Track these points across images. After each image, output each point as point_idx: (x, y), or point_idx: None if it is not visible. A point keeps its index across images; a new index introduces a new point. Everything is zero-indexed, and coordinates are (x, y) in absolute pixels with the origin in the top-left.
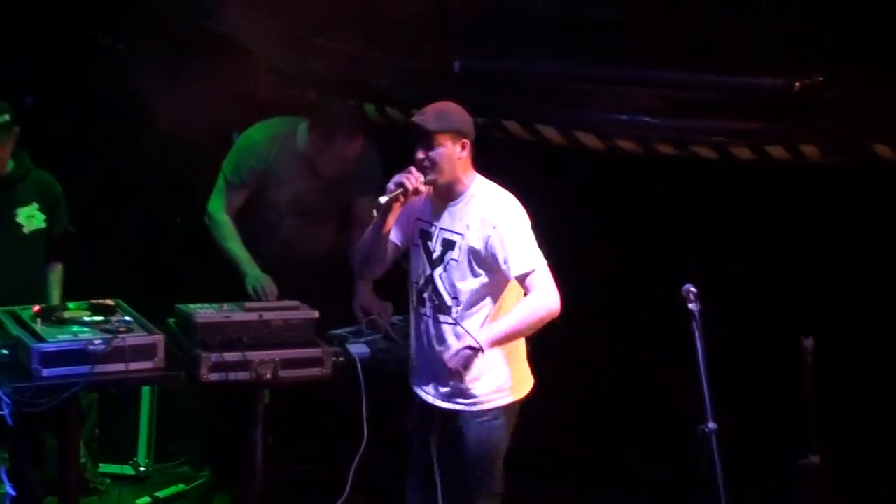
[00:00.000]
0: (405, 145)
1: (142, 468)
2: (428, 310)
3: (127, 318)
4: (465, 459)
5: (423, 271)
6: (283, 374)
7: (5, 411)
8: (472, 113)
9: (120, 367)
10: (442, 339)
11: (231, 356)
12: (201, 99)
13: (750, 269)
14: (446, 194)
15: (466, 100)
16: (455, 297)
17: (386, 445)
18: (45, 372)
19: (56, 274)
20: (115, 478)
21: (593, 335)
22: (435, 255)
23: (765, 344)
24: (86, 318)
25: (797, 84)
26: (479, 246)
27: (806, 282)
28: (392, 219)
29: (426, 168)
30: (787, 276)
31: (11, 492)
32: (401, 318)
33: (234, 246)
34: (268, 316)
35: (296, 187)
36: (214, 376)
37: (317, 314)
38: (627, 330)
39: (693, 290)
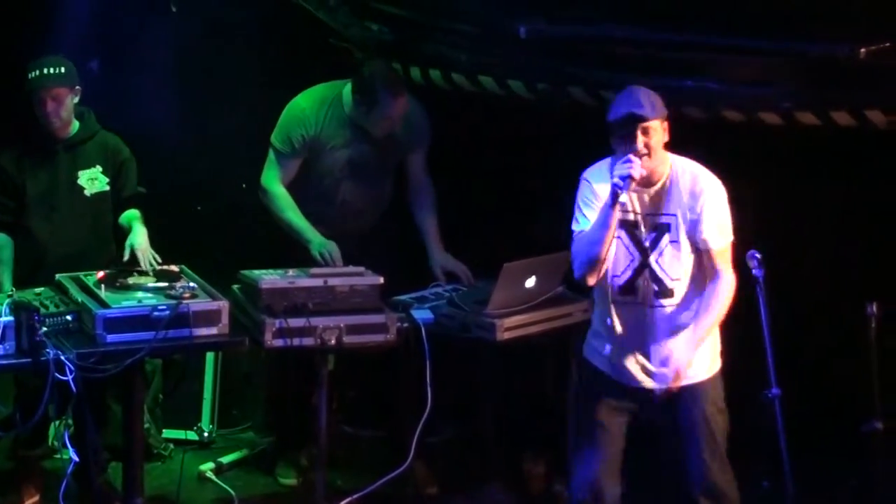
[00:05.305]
0: (467, 111)
1: (206, 434)
2: (640, 297)
3: (191, 283)
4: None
5: (632, 261)
6: (347, 339)
7: (69, 377)
8: (537, 79)
9: (184, 332)
10: (654, 324)
11: (296, 322)
12: (255, 58)
13: (816, 236)
14: (647, 180)
15: (531, 65)
16: (677, 279)
17: (448, 412)
18: (110, 338)
19: (133, 214)
20: (179, 443)
21: None
22: (647, 243)
23: (829, 310)
24: (150, 284)
25: (862, 50)
26: (689, 225)
27: (871, 248)
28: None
29: (643, 157)
30: (854, 242)
31: (75, 457)
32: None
33: (294, 216)
34: (333, 282)
35: (349, 151)
36: (279, 342)
37: (381, 280)
38: None
39: (757, 255)
